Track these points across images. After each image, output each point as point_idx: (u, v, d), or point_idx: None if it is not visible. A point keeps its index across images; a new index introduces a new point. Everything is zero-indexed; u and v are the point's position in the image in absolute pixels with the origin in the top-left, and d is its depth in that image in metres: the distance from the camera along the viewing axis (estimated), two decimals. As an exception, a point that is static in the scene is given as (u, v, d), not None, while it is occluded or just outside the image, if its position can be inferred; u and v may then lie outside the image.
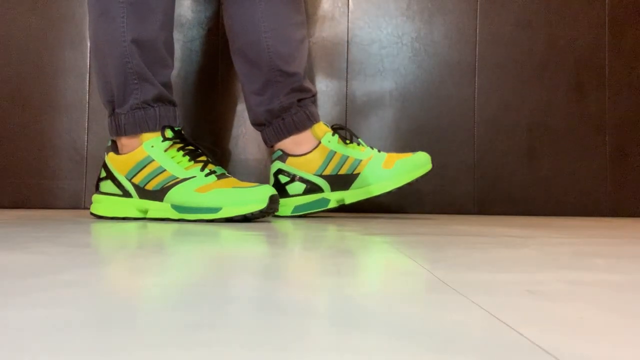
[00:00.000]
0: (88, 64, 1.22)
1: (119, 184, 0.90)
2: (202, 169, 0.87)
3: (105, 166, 0.92)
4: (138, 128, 0.89)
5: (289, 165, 1.02)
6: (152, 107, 0.90)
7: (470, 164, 1.25)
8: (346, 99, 1.25)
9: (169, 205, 0.87)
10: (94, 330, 0.22)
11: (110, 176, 0.91)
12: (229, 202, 0.85)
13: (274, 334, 0.22)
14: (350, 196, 1.02)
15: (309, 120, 1.03)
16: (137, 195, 0.89)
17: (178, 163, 0.88)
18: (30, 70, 1.21)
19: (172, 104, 0.92)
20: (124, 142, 0.91)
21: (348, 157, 1.02)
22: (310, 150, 1.02)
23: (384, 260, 0.44)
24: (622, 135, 1.27)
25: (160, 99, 0.90)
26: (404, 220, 0.98)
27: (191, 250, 0.49)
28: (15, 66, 1.21)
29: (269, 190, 0.85)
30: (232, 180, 0.88)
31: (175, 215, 0.86)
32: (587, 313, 0.26)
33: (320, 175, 1.01)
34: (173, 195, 0.87)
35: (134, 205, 0.89)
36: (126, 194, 0.90)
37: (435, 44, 1.26)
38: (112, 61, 0.88)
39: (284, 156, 1.02)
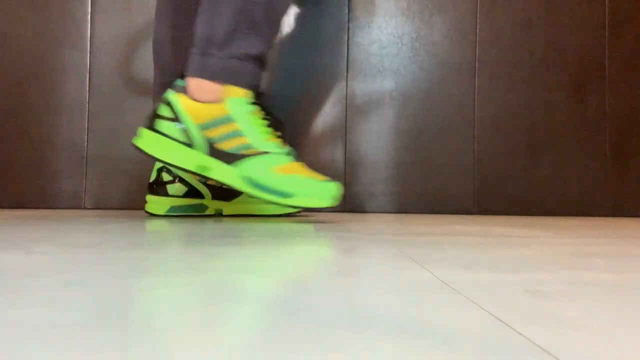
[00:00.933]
0: (88, 64, 1.22)
1: (185, 131, 0.81)
2: (280, 146, 0.83)
3: (171, 106, 0.82)
4: (229, 78, 0.82)
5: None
6: (251, 63, 0.82)
7: (470, 164, 1.25)
8: (346, 99, 1.25)
9: (240, 174, 0.81)
10: (94, 330, 0.22)
11: (177, 118, 0.81)
12: (304, 192, 0.82)
13: (274, 334, 0.22)
14: (229, 208, 1.01)
15: None
16: (205, 150, 0.81)
17: (260, 133, 0.82)
18: (30, 70, 1.21)
19: (265, 70, 0.86)
20: (203, 86, 0.82)
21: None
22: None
23: (384, 260, 0.44)
24: (622, 135, 1.27)
25: (260, 60, 0.83)
26: (404, 220, 0.98)
27: (191, 250, 0.49)
28: (15, 66, 1.21)
29: (338, 187, 0.84)
30: (303, 166, 0.86)
31: (245, 187, 0.82)
32: (587, 313, 0.26)
33: (205, 184, 0.97)
34: (250, 166, 0.81)
35: (195, 158, 0.81)
36: (191, 144, 0.81)
37: (435, 44, 1.26)
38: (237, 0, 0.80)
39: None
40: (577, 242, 0.60)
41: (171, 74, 1.00)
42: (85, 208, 1.20)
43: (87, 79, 1.22)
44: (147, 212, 0.99)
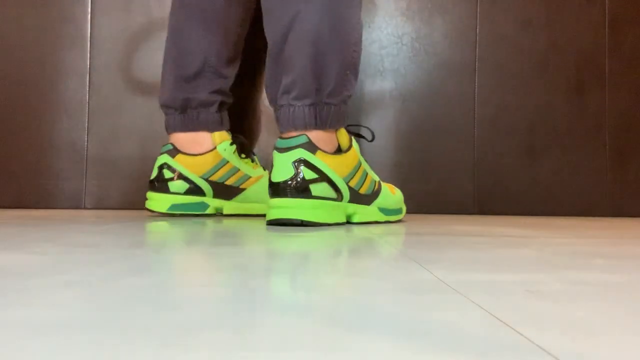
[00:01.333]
0: (88, 64, 1.22)
1: (335, 187, 0.80)
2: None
3: (312, 166, 0.78)
4: (343, 122, 0.83)
5: (176, 162, 0.97)
6: (347, 104, 0.85)
7: (470, 164, 1.25)
8: (346, 99, 1.25)
9: (377, 209, 0.87)
10: (94, 330, 0.22)
11: (326, 178, 0.79)
12: (402, 203, 0.93)
13: (274, 334, 0.22)
14: (229, 207, 1.01)
15: (220, 124, 1.01)
16: (348, 199, 0.82)
17: (369, 166, 0.88)
18: (30, 70, 1.21)
19: None
20: (323, 136, 0.81)
21: (239, 169, 1.00)
22: (204, 153, 0.99)
23: (384, 260, 0.44)
24: (622, 135, 1.27)
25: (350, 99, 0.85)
26: (404, 220, 0.98)
27: (191, 250, 0.49)
28: (15, 66, 1.21)
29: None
30: None
31: (381, 217, 0.88)
32: (587, 313, 0.26)
33: (207, 180, 0.98)
34: (382, 199, 0.87)
35: (344, 210, 0.82)
36: (339, 197, 0.81)
37: (435, 44, 1.26)
38: (342, 47, 0.82)
39: (174, 151, 0.97)
40: (577, 242, 0.60)
41: (185, 66, 0.99)
42: (85, 208, 1.20)
43: (87, 79, 1.22)
44: (148, 209, 0.98)
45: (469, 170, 1.25)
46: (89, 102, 1.22)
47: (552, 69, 1.27)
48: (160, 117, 1.22)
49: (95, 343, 0.20)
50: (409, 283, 0.33)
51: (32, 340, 0.20)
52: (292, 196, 0.76)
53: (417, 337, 0.21)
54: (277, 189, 0.77)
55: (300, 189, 0.76)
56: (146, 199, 0.99)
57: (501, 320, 0.24)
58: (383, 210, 0.88)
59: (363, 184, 0.85)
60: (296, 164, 0.77)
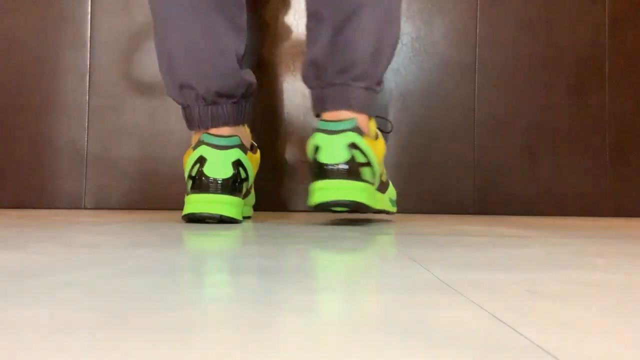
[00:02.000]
0: (88, 64, 1.22)
1: (373, 172, 0.79)
2: None
3: (362, 150, 0.76)
4: (377, 110, 0.85)
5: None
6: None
7: (470, 163, 1.25)
8: (346, 99, 1.25)
9: (389, 198, 0.88)
10: (94, 330, 0.22)
11: (370, 163, 0.78)
12: (395, 195, 0.94)
13: (273, 334, 0.22)
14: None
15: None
16: (377, 185, 0.81)
17: None
18: (30, 71, 1.21)
19: None
20: (364, 121, 0.79)
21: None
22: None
23: (383, 259, 0.44)
24: (622, 135, 1.27)
25: None
26: (404, 220, 0.97)
27: (191, 250, 0.49)
28: (15, 66, 1.21)
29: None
30: None
31: (391, 208, 0.88)
32: (587, 313, 0.26)
33: None
34: (390, 188, 0.89)
35: (377, 196, 0.82)
36: (374, 183, 0.80)
37: (435, 44, 1.26)
38: (392, 42, 0.83)
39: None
40: (577, 242, 0.60)
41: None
42: (85, 208, 1.20)
43: (87, 79, 1.22)
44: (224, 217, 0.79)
45: (469, 170, 1.25)
46: (89, 102, 1.22)
47: (552, 69, 1.27)
48: (160, 116, 1.23)
49: (95, 343, 0.20)
50: (409, 283, 0.33)
51: (33, 340, 0.20)
52: (346, 178, 0.74)
53: (416, 337, 0.21)
54: (327, 172, 0.75)
55: (354, 172, 0.75)
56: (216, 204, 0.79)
57: (501, 320, 0.24)
58: (391, 201, 0.90)
59: (383, 172, 0.87)
60: (350, 146, 0.76)
